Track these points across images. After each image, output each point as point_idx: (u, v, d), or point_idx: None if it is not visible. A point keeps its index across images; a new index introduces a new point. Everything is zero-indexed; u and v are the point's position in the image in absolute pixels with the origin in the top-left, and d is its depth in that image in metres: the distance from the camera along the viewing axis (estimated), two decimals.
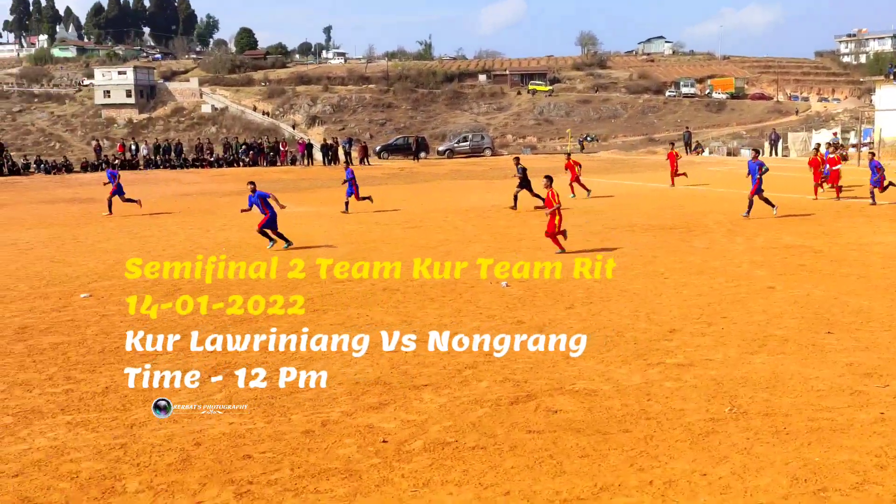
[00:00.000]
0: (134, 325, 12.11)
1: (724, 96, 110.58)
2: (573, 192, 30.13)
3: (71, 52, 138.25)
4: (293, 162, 60.32)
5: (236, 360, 10.14)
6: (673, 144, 39.77)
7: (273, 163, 59.14)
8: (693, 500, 6.19)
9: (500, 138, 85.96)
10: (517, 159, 29.43)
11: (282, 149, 61.80)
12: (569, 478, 6.56)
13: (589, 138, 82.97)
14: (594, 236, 20.02)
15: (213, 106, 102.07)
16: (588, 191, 30.09)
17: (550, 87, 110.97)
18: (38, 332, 11.90)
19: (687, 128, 76.29)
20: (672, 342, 10.52)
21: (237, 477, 6.72)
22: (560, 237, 17.80)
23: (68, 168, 57.40)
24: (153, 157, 58.73)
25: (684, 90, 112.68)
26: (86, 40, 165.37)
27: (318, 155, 62.25)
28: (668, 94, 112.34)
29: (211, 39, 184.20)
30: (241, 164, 58.48)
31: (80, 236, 22.99)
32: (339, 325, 11.87)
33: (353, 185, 27.00)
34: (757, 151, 26.22)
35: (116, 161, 53.45)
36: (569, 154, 34.30)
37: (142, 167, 57.29)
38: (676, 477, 6.58)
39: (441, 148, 68.88)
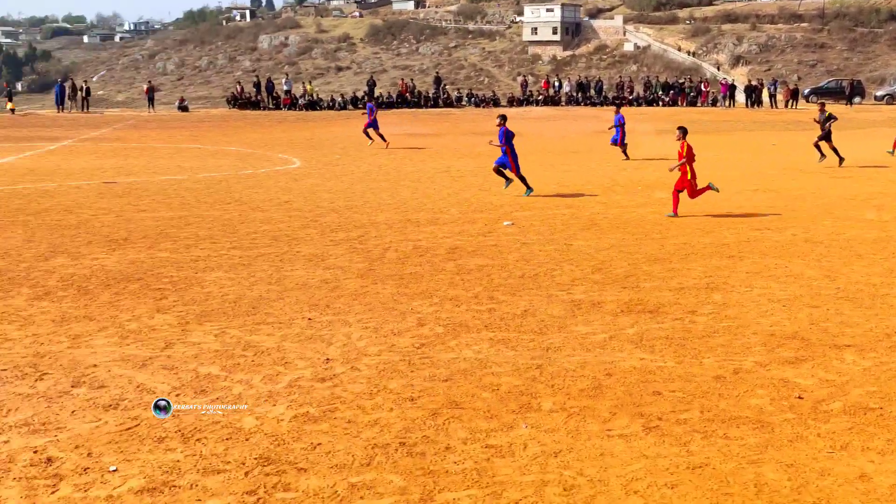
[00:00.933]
0: (553, 256, 12.68)
1: None
2: (894, 148, 26.25)
3: None
4: (714, 103, 58.79)
5: (649, 298, 10.24)
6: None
7: (693, 103, 58.07)
8: None
9: None
10: (822, 104, 26.78)
11: (703, 89, 60.39)
12: None
13: None
14: None
15: (635, 44, 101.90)
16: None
17: None
18: (466, 254, 12.85)
19: None
20: None
21: (646, 411, 6.84)
22: (687, 195, 15.97)
23: (495, 102, 60.60)
24: (574, 94, 60.17)
25: None
26: None
27: (740, 97, 60.03)
28: None
29: None
30: (660, 103, 58.09)
31: None
32: (755, 273, 11.50)
33: (620, 131, 26.11)
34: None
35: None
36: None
37: (563, 103, 58.99)
38: None
39: (879, 93, 63.30)
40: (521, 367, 7.86)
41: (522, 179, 18.67)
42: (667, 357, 8.17)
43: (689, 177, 15.79)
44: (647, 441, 6.28)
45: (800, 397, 7.13)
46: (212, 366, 7.88)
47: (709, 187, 16.16)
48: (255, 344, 8.53)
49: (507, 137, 18.53)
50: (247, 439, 6.28)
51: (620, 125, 26.45)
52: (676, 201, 15.98)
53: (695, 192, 16.01)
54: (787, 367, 7.88)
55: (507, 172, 18.81)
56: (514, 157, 18.55)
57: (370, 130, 30.92)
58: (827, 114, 24.41)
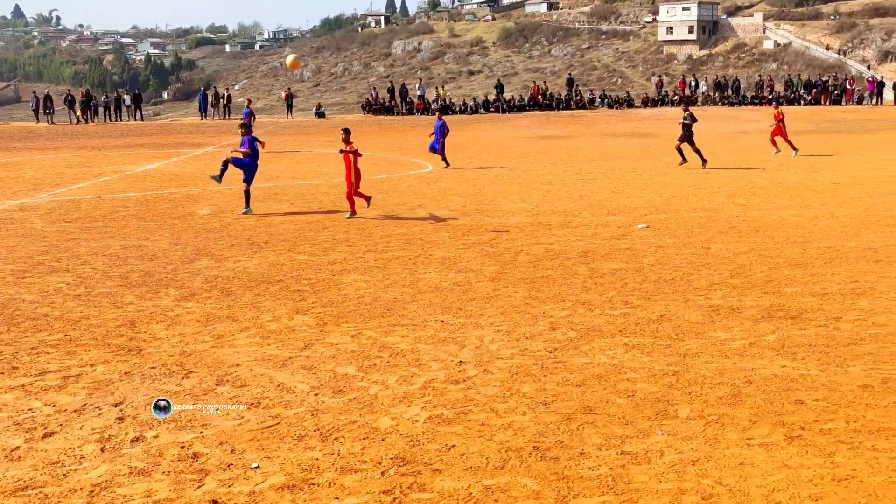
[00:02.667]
0: (690, 260, 12.42)
1: None
2: (776, 147, 26.61)
3: None
4: (860, 101, 56.38)
5: (791, 304, 9.92)
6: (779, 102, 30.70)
7: (837, 102, 55.88)
8: None
9: None
10: (685, 105, 26.89)
11: (848, 87, 58.03)
12: None
13: None
14: None
15: (775, 42, 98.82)
16: (795, 149, 26.21)
17: None
18: (599, 257, 12.72)
19: None
20: None
21: (788, 420, 6.62)
22: (358, 197, 16.75)
23: (629, 103, 59.81)
24: (711, 94, 58.80)
25: None
26: None
27: (888, 94, 57.39)
28: None
29: None
30: (801, 102, 56.14)
31: (639, 169, 23.95)
32: None
33: (438, 138, 25.27)
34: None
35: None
36: (778, 102, 28.51)
37: (700, 104, 57.72)
38: None
39: None
40: (657, 374, 7.73)
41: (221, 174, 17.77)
42: (810, 365, 7.90)
43: (352, 178, 16.49)
44: (789, 451, 6.08)
45: None
46: (349, 366, 8.05)
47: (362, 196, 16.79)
48: (390, 345, 8.67)
49: (252, 145, 17.52)
50: (383, 439, 6.39)
51: (441, 131, 25.55)
52: (350, 202, 16.77)
53: (353, 193, 16.68)
54: None
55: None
56: (253, 167, 17.57)
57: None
58: (688, 113, 23.96)
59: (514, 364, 8.04)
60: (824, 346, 8.43)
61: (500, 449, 6.19)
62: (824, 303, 9.99)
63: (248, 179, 17.48)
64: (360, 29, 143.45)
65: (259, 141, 18.38)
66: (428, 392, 7.35)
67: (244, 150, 17.43)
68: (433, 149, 25.79)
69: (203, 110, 54.84)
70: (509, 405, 7.03)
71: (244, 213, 17.15)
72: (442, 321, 9.50)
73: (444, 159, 25.60)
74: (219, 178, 17.86)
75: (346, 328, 9.30)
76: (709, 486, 5.57)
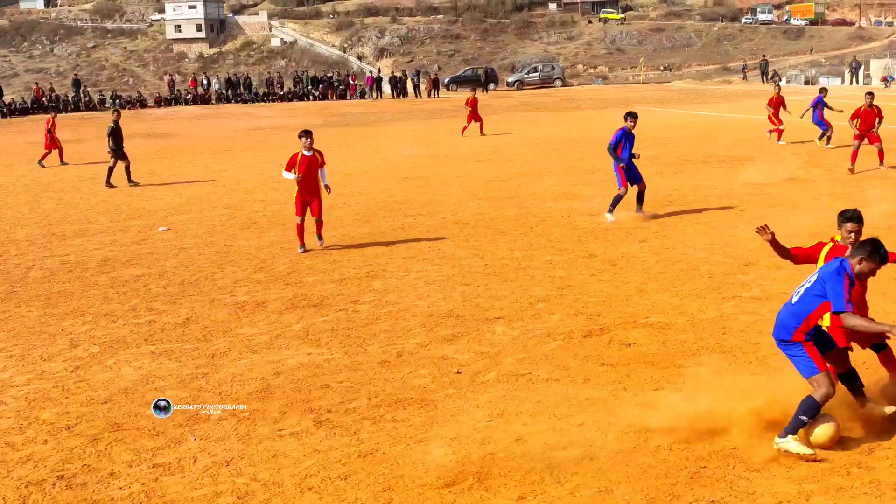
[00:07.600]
0: (213, 259, 12.39)
1: (804, 22, 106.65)
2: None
3: None
4: (362, 95, 60.28)
5: (312, 293, 10.33)
6: (475, 90, 32.20)
7: (343, 96, 59.21)
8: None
9: (571, 68, 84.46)
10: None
11: (351, 82, 61.77)
12: (643, 410, 6.57)
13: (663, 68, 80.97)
14: (668, 168, 19.72)
15: (282, 39, 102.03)
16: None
17: (622, 16, 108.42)
18: (120, 265, 12.22)
19: (763, 56, 74.11)
20: (748, 276, 10.39)
21: (316, 406, 6.89)
22: None
23: (142, 103, 58.16)
24: (224, 92, 59.19)
25: (761, 17, 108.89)
26: None
27: (386, 88, 62.08)
28: (744, 21, 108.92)
29: None
30: (311, 97, 58.66)
31: (157, 170, 23.38)
32: (410, 258, 11.97)
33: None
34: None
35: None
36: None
37: (213, 102, 57.84)
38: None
39: (510, 79, 68.08)
40: (187, 378, 7.62)
41: None
42: (333, 349, 8.29)
43: None
44: (318, 435, 6.33)
45: (458, 372, 7.53)
46: None
47: None
48: None
49: None
50: None
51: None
52: None
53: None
54: (445, 345, 8.28)
55: None
56: None
57: None
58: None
59: (31, 390, 7.45)
60: (345, 329, 8.90)
61: (20, 485, 5.70)
62: (343, 288, 10.54)
63: None
64: None
65: None
66: None
67: None
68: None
69: None
70: (28, 436, 6.50)
71: None
72: None
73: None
74: None
75: None
76: (244, 484, 5.61)
